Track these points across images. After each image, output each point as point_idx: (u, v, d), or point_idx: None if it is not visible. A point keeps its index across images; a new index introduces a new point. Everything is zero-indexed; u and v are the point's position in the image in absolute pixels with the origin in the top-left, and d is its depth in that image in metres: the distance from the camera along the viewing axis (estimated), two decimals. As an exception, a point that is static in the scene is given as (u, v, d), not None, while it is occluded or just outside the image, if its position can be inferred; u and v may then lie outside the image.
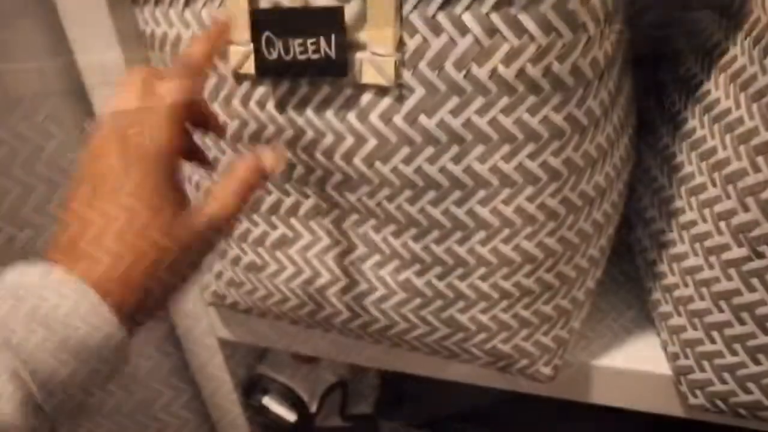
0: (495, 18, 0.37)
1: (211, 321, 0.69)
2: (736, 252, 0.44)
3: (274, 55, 0.43)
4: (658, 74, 0.58)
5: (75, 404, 0.32)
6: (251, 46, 0.43)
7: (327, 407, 0.75)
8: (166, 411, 0.80)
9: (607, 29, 0.41)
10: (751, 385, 0.46)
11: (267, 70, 0.44)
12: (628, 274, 0.62)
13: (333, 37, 0.40)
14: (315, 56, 0.42)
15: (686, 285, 0.49)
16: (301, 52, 0.42)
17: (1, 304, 0.31)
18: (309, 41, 0.41)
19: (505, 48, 0.38)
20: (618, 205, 0.51)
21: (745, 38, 0.42)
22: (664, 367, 0.53)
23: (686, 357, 0.50)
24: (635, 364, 0.55)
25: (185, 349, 0.75)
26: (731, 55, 0.44)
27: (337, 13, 0.40)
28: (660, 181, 0.53)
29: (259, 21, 0.42)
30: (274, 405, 0.75)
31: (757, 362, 0.45)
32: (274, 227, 0.52)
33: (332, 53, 0.41)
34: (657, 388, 0.54)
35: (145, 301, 0.36)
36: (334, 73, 0.42)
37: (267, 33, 0.42)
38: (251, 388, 0.76)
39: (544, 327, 0.50)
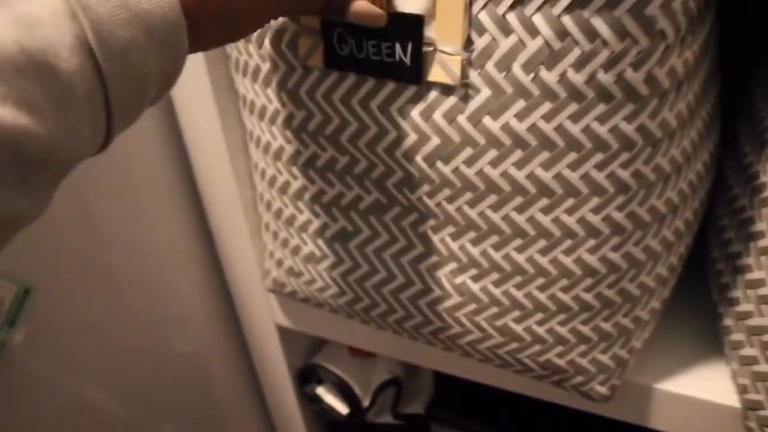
0: (567, 21, 0.36)
1: (270, 308, 0.69)
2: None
3: (346, 51, 0.43)
4: (748, 81, 0.55)
5: (130, 84, 0.29)
6: (321, 38, 0.43)
7: (379, 403, 0.75)
8: (224, 393, 0.82)
9: (690, 37, 0.39)
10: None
11: (336, 64, 0.44)
12: (699, 296, 0.59)
13: (410, 45, 0.40)
14: (389, 59, 0.41)
15: (762, 314, 0.46)
16: (375, 54, 0.42)
17: None
18: (384, 44, 0.41)
19: (576, 52, 0.37)
20: (692, 224, 0.49)
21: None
22: (731, 399, 0.50)
23: (757, 391, 0.47)
24: (700, 392, 0.52)
25: (245, 333, 0.76)
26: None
27: (417, 22, 0.40)
28: (741, 201, 0.50)
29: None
30: (327, 396, 0.75)
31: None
32: (334, 219, 0.52)
33: (407, 60, 0.41)
34: (721, 420, 0.51)
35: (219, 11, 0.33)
36: (407, 79, 0.42)
37: (339, 29, 0.42)
38: (306, 377, 0.76)
39: (603, 344, 0.48)
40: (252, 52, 0.49)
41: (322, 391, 0.75)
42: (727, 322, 0.51)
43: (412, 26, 0.40)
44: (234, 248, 0.67)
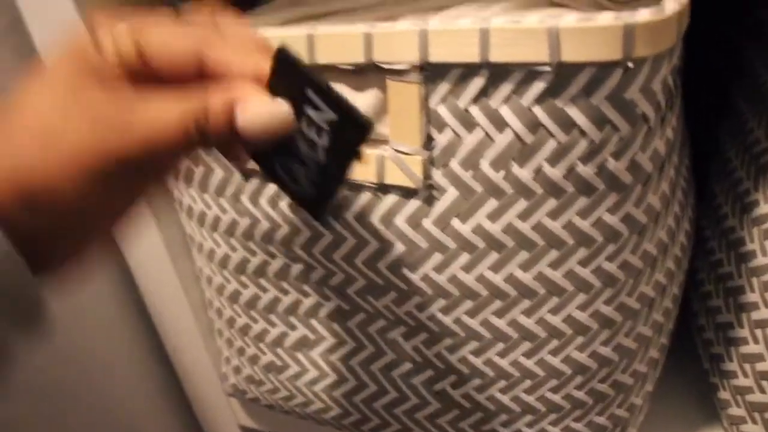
0: (538, 111, 0.32)
1: (233, 410, 0.64)
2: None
3: (303, 181, 0.31)
4: (716, 131, 0.52)
5: None
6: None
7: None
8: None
9: (669, 113, 0.35)
10: None
11: (317, 206, 0.32)
12: (689, 362, 0.55)
13: (313, 96, 0.28)
14: (325, 140, 0.29)
15: (762, 391, 0.43)
16: (314, 150, 0.30)
17: None
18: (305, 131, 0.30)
19: (551, 145, 0.33)
20: (678, 297, 0.45)
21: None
22: (735, 475, 0.47)
23: (764, 469, 0.44)
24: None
25: (206, 436, 0.70)
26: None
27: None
28: (726, 268, 0.47)
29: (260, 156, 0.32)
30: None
31: None
32: (293, 327, 0.47)
33: (332, 115, 0.29)
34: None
35: (53, 229, 0.26)
36: (362, 132, 0.28)
37: (277, 161, 0.31)
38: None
39: (599, 438, 0.44)
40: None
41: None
42: (724, 395, 0.48)
43: (295, 78, 0.28)
44: (187, 352, 0.61)
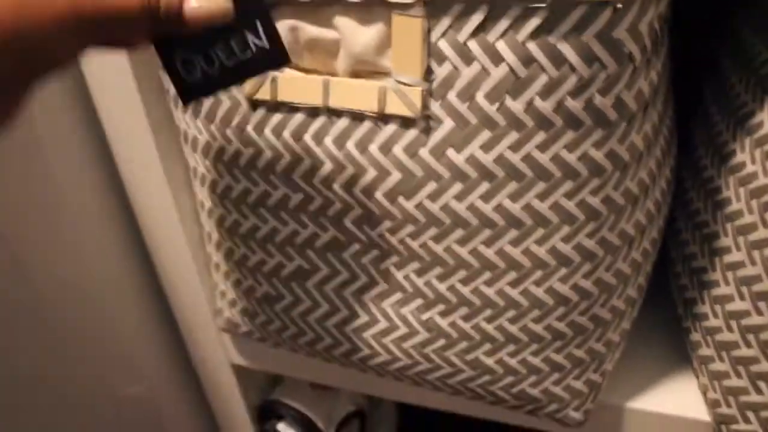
0: (532, 47, 0.34)
1: (224, 346, 0.66)
2: (791, 301, 0.40)
3: (197, 75, 0.36)
4: (701, 90, 0.54)
5: None
6: (164, 73, 0.38)
7: (343, 436, 0.72)
8: (178, 434, 0.78)
9: (654, 58, 0.37)
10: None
11: (193, 93, 0.37)
12: (663, 309, 0.58)
13: (259, 25, 0.34)
14: (246, 54, 0.35)
15: (731, 329, 0.46)
16: (228, 56, 0.35)
17: None
18: (233, 41, 0.35)
19: (542, 79, 0.35)
20: (657, 241, 0.48)
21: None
22: (702, 413, 0.50)
23: (728, 405, 0.47)
24: (671, 408, 0.51)
25: (198, 372, 0.72)
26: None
27: None
28: (703, 216, 0.49)
29: (164, 44, 0.35)
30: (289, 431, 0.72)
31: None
32: (290, 258, 0.49)
33: (264, 43, 0.35)
34: (695, 436, 0.50)
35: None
36: (276, 65, 0.36)
37: (180, 53, 0.35)
38: (265, 414, 0.73)
39: (576, 371, 0.47)
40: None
41: (282, 427, 0.72)
42: (695, 337, 0.50)
43: (254, 3, 0.34)
44: (182, 287, 0.63)
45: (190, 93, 0.36)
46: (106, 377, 0.69)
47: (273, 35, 0.34)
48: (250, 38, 0.34)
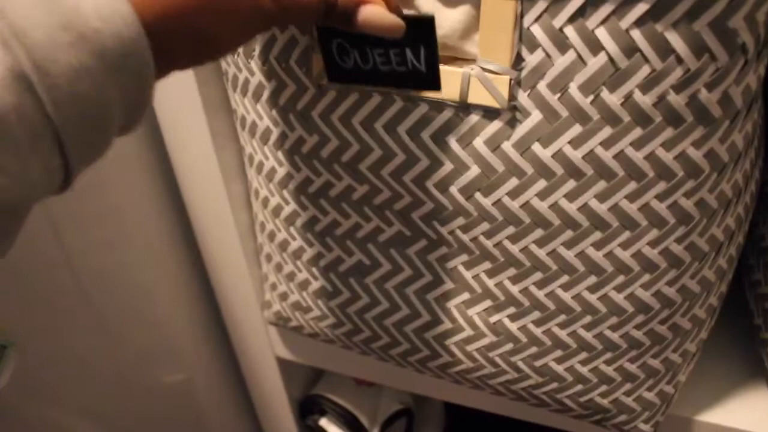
0: (636, 35, 0.31)
1: (270, 339, 0.64)
2: None
3: (350, 64, 0.38)
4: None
5: (85, 116, 0.25)
6: (318, 50, 0.38)
7: (390, 434, 0.70)
8: (218, 426, 0.76)
9: (765, 49, 0.34)
10: None
11: (340, 79, 0.39)
12: (739, 317, 0.55)
13: (422, 49, 0.35)
14: (401, 68, 0.36)
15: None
16: (383, 63, 0.37)
17: None
18: (392, 51, 0.36)
19: (645, 71, 0.32)
20: (741, 246, 0.45)
21: None
22: (777, 430, 0.47)
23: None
24: (743, 423, 0.48)
25: (241, 364, 0.70)
26: None
27: (428, 23, 0.34)
28: (791, 221, 0.46)
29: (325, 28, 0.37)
30: (331, 427, 0.70)
31: None
32: (349, 253, 0.46)
33: (422, 66, 0.36)
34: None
35: (185, 26, 0.28)
36: (423, 86, 0.37)
37: (338, 39, 0.37)
38: (308, 408, 0.71)
39: (650, 382, 0.44)
40: (254, 69, 0.43)
41: (325, 423, 0.70)
42: (775, 350, 0.47)
43: (423, 29, 0.34)
44: (229, 277, 0.61)
45: (338, 76, 0.38)
46: (148, 364, 0.68)
47: (432, 63, 0.35)
48: (409, 56, 0.35)
